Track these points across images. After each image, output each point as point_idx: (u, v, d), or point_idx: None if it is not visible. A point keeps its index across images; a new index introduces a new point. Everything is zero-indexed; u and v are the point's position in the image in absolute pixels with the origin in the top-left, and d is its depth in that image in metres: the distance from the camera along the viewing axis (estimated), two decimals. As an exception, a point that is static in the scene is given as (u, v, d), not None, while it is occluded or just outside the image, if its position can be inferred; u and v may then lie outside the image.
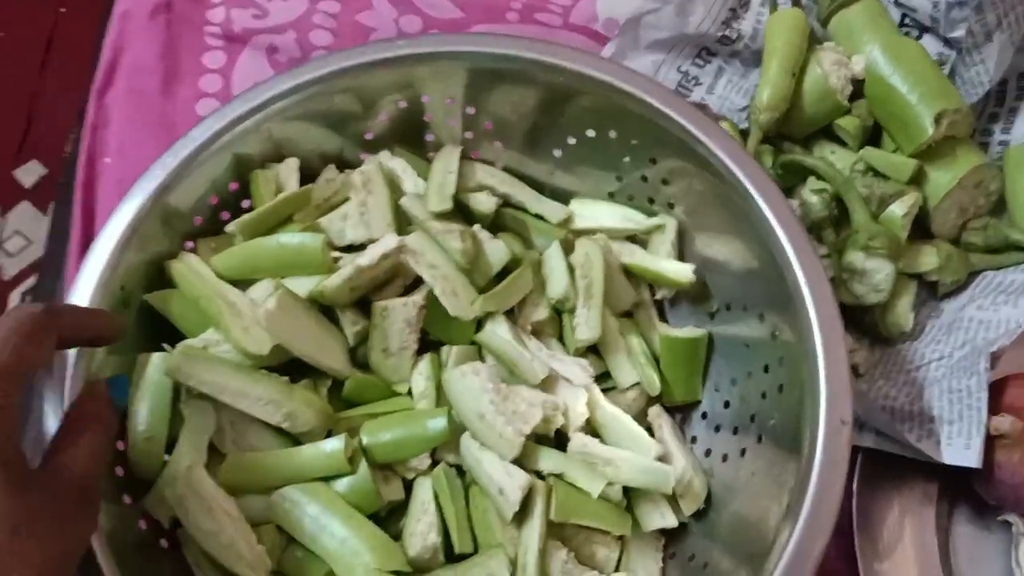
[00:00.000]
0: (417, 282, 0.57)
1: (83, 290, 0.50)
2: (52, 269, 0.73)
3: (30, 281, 1.37)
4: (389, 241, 0.55)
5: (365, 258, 0.54)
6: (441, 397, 0.55)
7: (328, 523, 0.49)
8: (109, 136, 0.72)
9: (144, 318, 0.54)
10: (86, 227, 0.69)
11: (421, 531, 0.51)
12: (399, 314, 0.55)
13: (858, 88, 0.67)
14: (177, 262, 0.55)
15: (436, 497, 0.52)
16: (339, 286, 0.54)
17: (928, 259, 0.64)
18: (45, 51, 1.53)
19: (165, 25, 0.76)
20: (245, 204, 0.59)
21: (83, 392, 0.45)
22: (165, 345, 0.54)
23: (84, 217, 0.69)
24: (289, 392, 0.51)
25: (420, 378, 0.55)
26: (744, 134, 0.69)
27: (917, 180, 0.64)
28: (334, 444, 0.50)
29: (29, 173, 1.45)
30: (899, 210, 0.63)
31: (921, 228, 0.66)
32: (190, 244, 0.57)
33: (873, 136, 0.68)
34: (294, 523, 0.50)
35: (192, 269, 0.55)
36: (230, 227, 0.57)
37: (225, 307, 0.53)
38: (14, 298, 1.36)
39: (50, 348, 0.41)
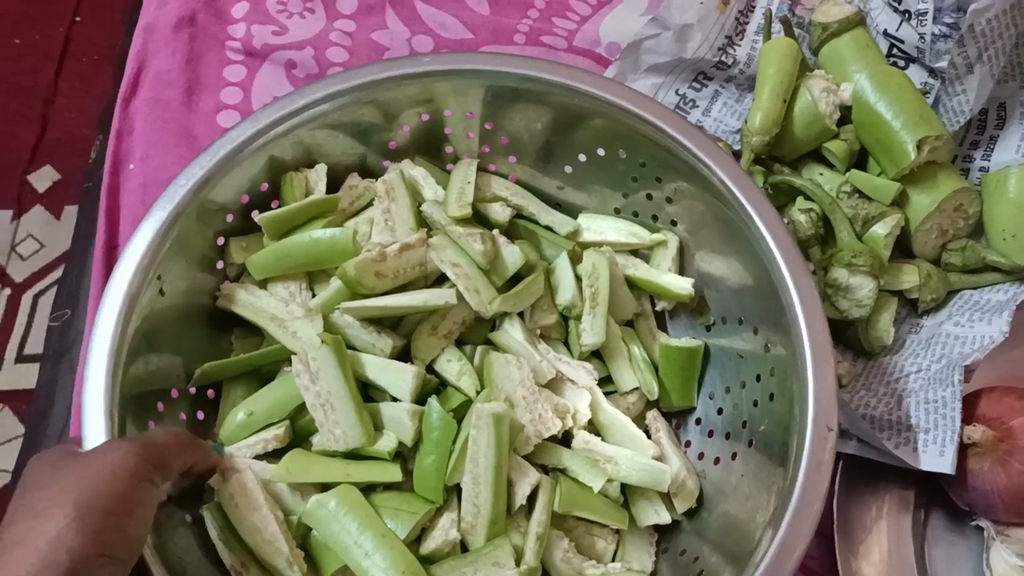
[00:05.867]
0: (438, 284, 0.59)
1: (123, 275, 0.51)
2: (76, 271, 0.74)
3: (41, 284, 1.37)
4: (414, 234, 0.57)
5: (391, 246, 0.56)
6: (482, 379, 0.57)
7: (361, 539, 0.51)
8: (133, 143, 0.73)
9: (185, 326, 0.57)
10: (111, 230, 0.70)
11: (443, 525, 0.53)
12: None
13: (846, 114, 0.70)
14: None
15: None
16: (363, 264, 0.55)
17: (909, 277, 0.67)
18: (60, 59, 1.53)
19: (188, 39, 0.78)
20: (274, 205, 0.61)
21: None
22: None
23: (108, 220, 0.70)
24: None
25: (452, 362, 0.57)
26: (737, 155, 0.71)
27: (900, 202, 0.67)
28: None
29: (43, 178, 1.45)
30: (882, 230, 0.66)
31: (903, 248, 0.68)
32: (221, 240, 0.59)
33: (859, 160, 0.71)
34: (330, 532, 0.51)
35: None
36: (259, 217, 0.59)
37: (270, 324, 0.57)
38: (26, 300, 1.36)
39: (182, 465, 0.48)
